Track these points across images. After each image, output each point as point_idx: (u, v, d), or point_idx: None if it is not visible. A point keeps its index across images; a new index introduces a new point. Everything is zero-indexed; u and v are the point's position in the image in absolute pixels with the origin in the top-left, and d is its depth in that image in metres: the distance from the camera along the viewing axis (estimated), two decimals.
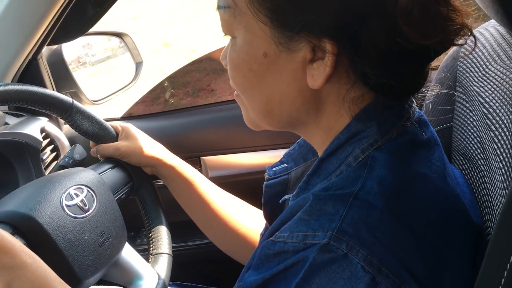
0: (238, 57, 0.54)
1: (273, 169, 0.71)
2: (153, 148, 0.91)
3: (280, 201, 0.66)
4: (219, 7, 0.55)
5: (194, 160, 1.20)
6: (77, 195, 0.75)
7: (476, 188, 0.62)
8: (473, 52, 0.67)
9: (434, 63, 0.53)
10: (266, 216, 0.71)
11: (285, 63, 0.52)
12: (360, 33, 0.47)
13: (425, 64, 0.52)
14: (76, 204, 0.74)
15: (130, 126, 0.94)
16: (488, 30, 0.68)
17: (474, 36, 0.51)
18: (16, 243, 0.58)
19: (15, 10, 0.92)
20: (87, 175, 0.80)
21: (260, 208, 0.92)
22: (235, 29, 0.54)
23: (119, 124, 0.94)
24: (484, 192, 0.59)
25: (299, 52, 0.50)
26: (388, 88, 0.50)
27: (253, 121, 0.60)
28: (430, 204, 0.50)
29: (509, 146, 0.52)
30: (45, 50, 1.10)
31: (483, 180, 0.59)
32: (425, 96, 0.58)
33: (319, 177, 0.54)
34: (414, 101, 0.56)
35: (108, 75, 1.53)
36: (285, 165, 0.70)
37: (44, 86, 1.09)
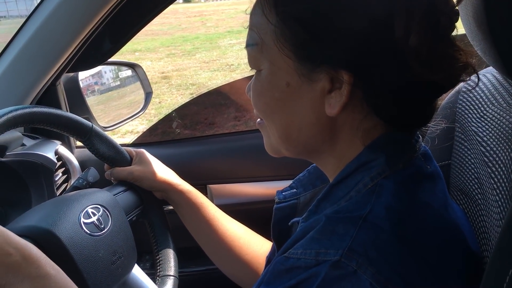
0: (262, 86, 0.60)
1: (283, 193, 0.75)
2: (165, 174, 0.95)
3: (289, 223, 0.69)
4: (247, 45, 0.60)
5: (201, 188, 1.22)
6: (94, 214, 0.78)
7: (473, 220, 0.66)
8: (471, 95, 0.72)
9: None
10: (274, 237, 0.75)
11: (306, 92, 0.57)
12: (374, 68, 0.53)
13: (433, 99, 0.57)
14: (92, 222, 0.77)
15: (144, 152, 0.98)
16: (486, 76, 0.74)
17: (477, 74, 0.56)
18: (42, 255, 0.60)
19: (40, 38, 0.98)
20: (103, 195, 0.84)
21: (263, 235, 0.95)
22: (261, 63, 0.59)
23: (133, 149, 0.99)
24: (481, 224, 0.63)
25: (319, 82, 0.55)
26: (398, 119, 0.55)
27: (274, 148, 0.65)
28: (433, 231, 0.54)
29: (505, 180, 0.57)
30: (63, 76, 1.15)
31: (480, 213, 0.64)
32: (430, 130, 0.63)
33: (328, 202, 0.58)
34: (421, 136, 0.61)
35: (116, 104, 1.58)
36: (295, 190, 0.75)
37: None
